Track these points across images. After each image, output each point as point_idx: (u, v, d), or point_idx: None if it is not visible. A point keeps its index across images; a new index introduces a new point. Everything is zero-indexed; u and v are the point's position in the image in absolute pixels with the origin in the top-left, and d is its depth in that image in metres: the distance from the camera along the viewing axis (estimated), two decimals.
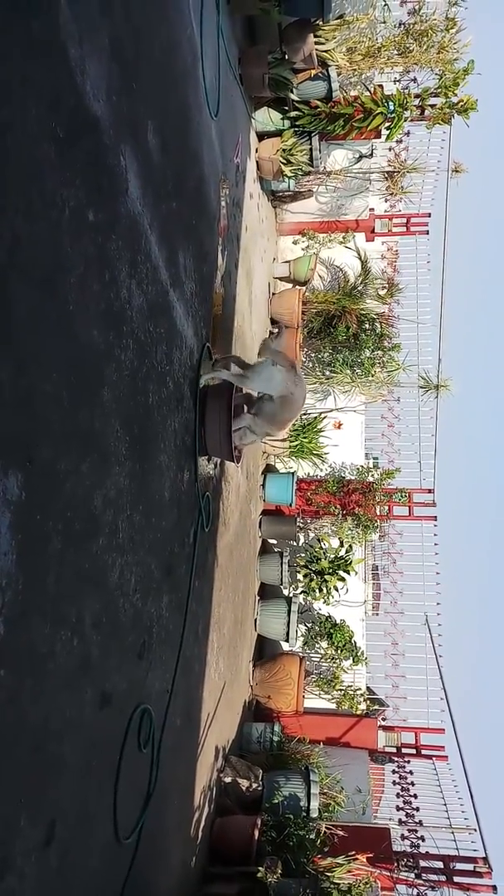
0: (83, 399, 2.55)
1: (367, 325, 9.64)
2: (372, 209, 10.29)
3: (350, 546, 8.71)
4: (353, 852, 5.58)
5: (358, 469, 9.68)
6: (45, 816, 2.23)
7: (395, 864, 6.08)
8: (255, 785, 5.79)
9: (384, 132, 8.59)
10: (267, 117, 8.14)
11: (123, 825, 3.05)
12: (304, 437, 9.19)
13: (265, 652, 8.48)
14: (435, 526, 9.58)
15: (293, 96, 7.99)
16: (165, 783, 3.78)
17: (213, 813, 5.24)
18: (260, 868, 4.56)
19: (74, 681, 2.49)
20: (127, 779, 3.07)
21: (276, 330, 4.65)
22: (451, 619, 9.59)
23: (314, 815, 5.79)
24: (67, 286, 2.39)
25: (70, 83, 2.44)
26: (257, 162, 8.20)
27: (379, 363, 9.65)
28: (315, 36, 7.27)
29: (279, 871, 4.58)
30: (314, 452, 9.33)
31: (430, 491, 9.69)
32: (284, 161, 8.20)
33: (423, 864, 6.27)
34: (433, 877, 6.16)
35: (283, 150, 8.13)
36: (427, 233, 10.36)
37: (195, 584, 4.42)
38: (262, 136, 8.31)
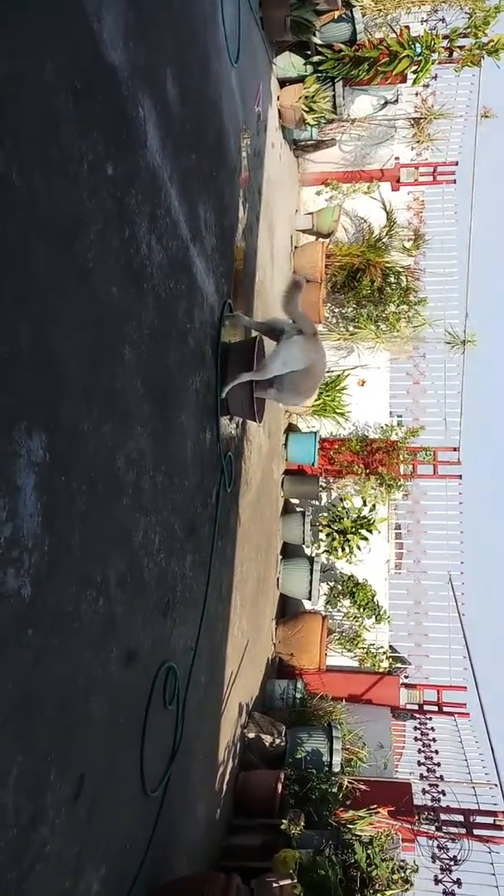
0: (104, 358, 2.51)
1: (392, 279, 9.41)
2: (397, 158, 9.96)
3: (373, 505, 8.68)
4: (375, 806, 5.68)
5: (382, 427, 9.57)
6: (73, 771, 2.28)
7: (416, 818, 6.19)
8: (278, 740, 5.89)
9: (410, 76, 8.28)
10: (289, 63, 7.87)
11: (150, 779, 3.11)
12: (327, 396, 9.09)
13: (287, 610, 8.55)
14: (460, 484, 9.49)
15: (316, 40, 7.70)
16: (190, 738, 3.85)
17: (237, 767, 5.35)
18: (283, 821, 4.65)
19: (100, 639, 2.51)
20: (153, 734, 3.12)
21: (299, 281, 4.39)
22: (475, 577, 9.57)
23: (336, 769, 5.89)
24: (87, 242, 2.34)
25: (86, 31, 2.34)
26: (279, 110, 7.95)
27: (404, 318, 9.45)
28: None
29: (302, 824, 4.67)
30: (337, 411, 9.23)
31: (455, 449, 9.56)
32: (307, 108, 7.94)
33: (443, 817, 6.38)
34: (453, 830, 6.27)
35: (306, 97, 7.87)
36: (454, 182, 10.01)
37: (218, 543, 4.43)
38: (283, 83, 8.04)
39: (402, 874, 4.44)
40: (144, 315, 2.95)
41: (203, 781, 4.33)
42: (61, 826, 2.18)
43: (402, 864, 4.58)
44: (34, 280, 1.98)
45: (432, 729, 7.93)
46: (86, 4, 2.33)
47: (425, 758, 7.37)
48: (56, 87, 2.12)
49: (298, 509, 9.00)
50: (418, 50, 7.62)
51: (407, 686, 8.52)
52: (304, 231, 9.68)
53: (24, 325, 1.91)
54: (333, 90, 8.07)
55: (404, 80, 8.73)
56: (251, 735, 5.76)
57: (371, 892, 4.26)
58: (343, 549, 8.37)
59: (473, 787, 6.74)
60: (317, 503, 9.32)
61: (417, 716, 8.23)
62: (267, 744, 5.80)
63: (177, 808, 3.59)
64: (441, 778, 7.03)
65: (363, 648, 8.48)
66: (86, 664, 2.39)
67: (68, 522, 2.22)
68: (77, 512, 2.28)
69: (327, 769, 5.82)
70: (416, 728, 7.99)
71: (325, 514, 8.85)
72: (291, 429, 9.17)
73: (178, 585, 3.57)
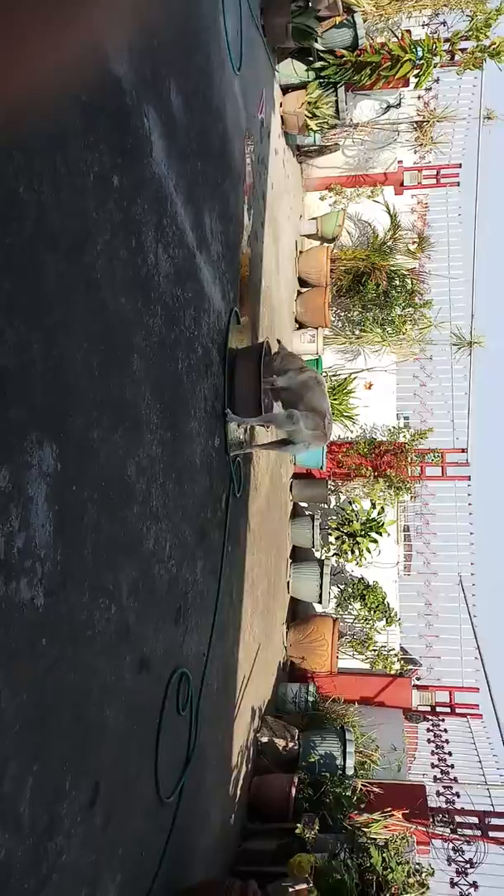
0: (114, 368, 2.53)
1: (397, 282, 9.40)
2: (400, 161, 9.97)
3: (382, 508, 8.66)
4: (389, 809, 5.66)
5: (389, 430, 9.57)
6: (89, 779, 2.29)
7: (431, 820, 6.16)
8: (291, 744, 5.88)
9: (412, 80, 8.28)
10: (291, 69, 7.89)
11: (165, 785, 3.12)
12: (335, 399, 9.10)
13: (298, 614, 8.54)
14: (468, 486, 9.47)
15: (318, 46, 7.72)
16: (204, 744, 3.85)
17: (250, 772, 5.35)
18: (298, 824, 4.64)
19: (113, 647, 2.52)
20: (167, 741, 3.13)
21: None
22: (486, 578, 9.54)
23: (350, 772, 5.88)
24: (95, 253, 2.36)
25: (91, 44, 2.36)
26: (282, 116, 7.98)
27: (410, 321, 9.44)
28: None
29: (317, 828, 4.66)
30: (344, 414, 9.24)
31: (463, 450, 9.54)
32: (310, 114, 7.96)
33: (458, 819, 6.35)
34: (468, 832, 6.24)
35: (309, 103, 7.89)
36: (458, 184, 10.01)
37: (228, 548, 4.44)
38: (286, 90, 8.06)
39: (418, 878, 4.42)
40: (152, 324, 2.97)
41: (217, 786, 4.33)
42: (77, 834, 2.19)
43: (417, 867, 4.57)
44: (44, 292, 2.00)
45: (445, 730, 7.90)
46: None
47: (439, 759, 7.34)
48: (62, 101, 2.14)
49: (307, 513, 9.00)
50: (420, 54, 7.63)
51: (419, 688, 8.50)
52: (308, 236, 9.70)
53: (34, 336, 1.93)
54: (336, 95, 8.08)
55: (406, 83, 8.73)
56: (264, 739, 5.76)
57: None
58: (353, 552, 8.36)
59: (488, 789, 6.70)
60: (326, 506, 9.32)
61: (430, 717, 8.20)
62: (280, 748, 5.79)
63: (192, 814, 3.60)
64: (455, 780, 7.00)
65: (374, 651, 8.46)
66: (99, 672, 2.40)
67: (80, 531, 2.23)
68: (89, 521, 2.29)
69: (341, 772, 5.81)
70: (428, 730, 7.96)
71: (335, 518, 8.85)
72: None
73: (189, 592, 3.58)
